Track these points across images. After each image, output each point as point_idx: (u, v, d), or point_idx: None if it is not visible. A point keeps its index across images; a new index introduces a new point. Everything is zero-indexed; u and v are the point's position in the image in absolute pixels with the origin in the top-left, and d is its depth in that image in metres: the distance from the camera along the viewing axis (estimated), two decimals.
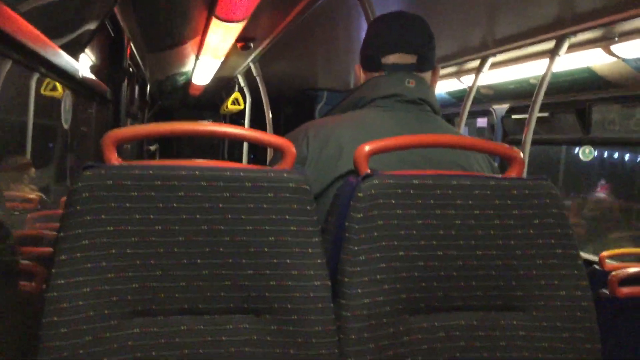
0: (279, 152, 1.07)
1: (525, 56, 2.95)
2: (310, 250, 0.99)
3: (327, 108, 5.51)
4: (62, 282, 0.90)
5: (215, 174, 0.97)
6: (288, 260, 0.98)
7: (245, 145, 5.16)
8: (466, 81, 3.71)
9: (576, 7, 2.10)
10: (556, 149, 3.96)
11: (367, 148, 1.08)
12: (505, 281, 1.07)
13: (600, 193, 3.79)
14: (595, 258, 2.28)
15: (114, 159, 0.98)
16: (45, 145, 1.60)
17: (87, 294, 0.91)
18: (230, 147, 8.70)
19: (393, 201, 1.03)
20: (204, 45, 3.26)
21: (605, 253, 2.20)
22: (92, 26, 1.77)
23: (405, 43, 1.38)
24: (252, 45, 3.38)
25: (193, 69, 4.49)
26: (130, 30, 2.68)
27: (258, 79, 4.19)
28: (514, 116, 3.87)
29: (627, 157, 3.65)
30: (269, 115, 4.44)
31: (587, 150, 3.59)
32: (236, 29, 2.69)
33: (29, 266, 1.44)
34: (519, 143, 3.05)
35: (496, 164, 1.42)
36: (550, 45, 2.51)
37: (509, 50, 2.78)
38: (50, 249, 1.48)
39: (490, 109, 4.09)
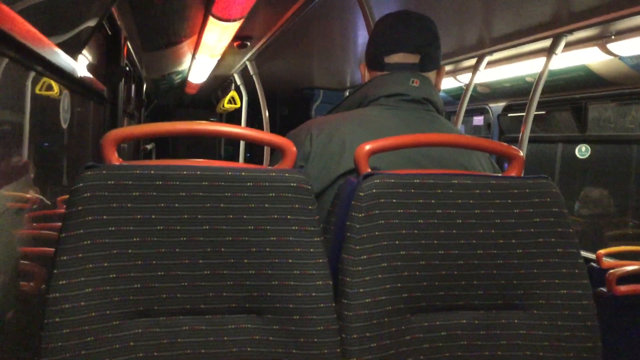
0: (279, 152, 1.06)
1: (521, 54, 2.95)
2: (312, 249, 0.99)
3: (323, 107, 5.52)
4: (64, 282, 0.90)
5: (217, 173, 0.97)
6: (290, 260, 0.98)
7: (242, 144, 5.15)
8: (463, 79, 3.72)
9: (573, 6, 2.11)
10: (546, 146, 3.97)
11: (367, 147, 1.08)
12: (506, 280, 1.07)
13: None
14: (592, 256, 2.29)
15: (115, 158, 0.98)
16: (43, 145, 1.59)
17: (89, 294, 0.91)
18: (226, 146, 8.69)
19: (394, 200, 1.03)
20: (200, 44, 3.26)
21: (602, 251, 2.21)
22: (90, 25, 1.76)
23: (408, 42, 1.38)
24: (248, 43, 3.37)
25: (189, 68, 4.48)
26: (127, 29, 2.67)
27: (254, 77, 4.19)
28: (510, 114, 3.88)
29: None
30: (266, 113, 4.44)
31: (583, 148, 3.60)
32: (233, 27, 2.69)
33: (28, 266, 1.43)
34: (515, 141, 3.05)
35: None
36: (546, 43, 2.52)
37: (505, 48, 2.79)
38: (49, 249, 1.48)
39: (487, 107, 4.10)
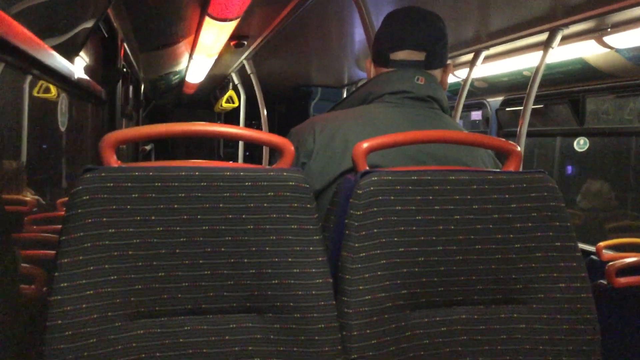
0: (278, 151, 1.07)
1: (518, 49, 2.95)
2: (311, 248, 0.99)
3: (321, 104, 5.52)
4: (65, 285, 0.90)
5: (215, 174, 0.97)
6: (289, 259, 0.98)
7: (241, 143, 5.16)
8: (460, 74, 3.72)
9: None
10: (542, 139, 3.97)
11: (364, 145, 1.09)
12: (504, 274, 1.07)
13: None
14: (592, 248, 2.30)
15: (113, 161, 0.99)
16: (42, 148, 1.59)
17: (91, 296, 0.91)
18: (225, 145, 8.69)
19: (392, 197, 1.03)
20: (197, 44, 3.26)
21: (602, 243, 2.21)
22: (86, 27, 1.76)
23: (414, 39, 1.37)
24: (245, 43, 3.37)
25: (187, 68, 4.48)
26: (123, 30, 2.67)
27: (252, 76, 4.18)
28: (508, 108, 3.88)
29: None
30: (264, 112, 4.44)
31: (581, 141, 3.60)
32: (229, 27, 2.69)
33: (28, 269, 1.44)
34: (513, 135, 3.06)
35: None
36: (543, 37, 2.52)
37: (502, 43, 2.79)
38: (49, 252, 1.48)
39: (485, 101, 4.10)
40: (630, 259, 2.00)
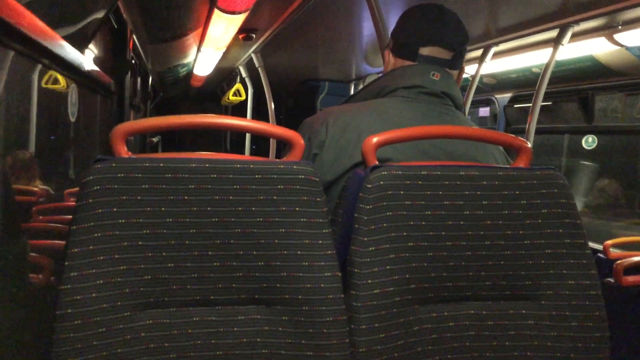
0: (288, 144, 1.07)
1: (528, 45, 2.94)
2: (320, 241, 0.99)
3: (328, 98, 5.51)
4: (75, 274, 0.91)
5: (226, 166, 0.98)
6: (298, 252, 0.99)
7: (248, 136, 5.16)
8: (469, 70, 3.70)
9: None
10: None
11: (374, 140, 1.09)
12: (514, 271, 1.07)
13: None
14: (599, 246, 2.29)
15: (124, 151, 0.99)
16: (52, 138, 1.60)
17: (100, 285, 0.92)
18: (232, 137, 8.70)
19: (402, 192, 1.03)
20: (205, 37, 3.25)
21: (609, 242, 2.21)
22: (97, 18, 1.76)
23: (444, 38, 1.38)
24: (254, 36, 3.37)
25: (194, 60, 4.48)
26: (133, 21, 2.67)
27: (260, 70, 4.18)
28: (516, 105, 3.87)
29: None
30: (272, 106, 4.43)
31: (590, 139, 3.59)
32: (238, 20, 2.68)
33: (36, 258, 1.44)
34: (522, 132, 3.05)
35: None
36: (553, 34, 2.51)
37: (512, 39, 2.78)
38: (56, 242, 1.49)
39: (493, 98, 4.09)
40: (639, 257, 1.99)
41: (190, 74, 5.42)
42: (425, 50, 1.39)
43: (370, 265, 1.01)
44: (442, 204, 1.05)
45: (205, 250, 0.97)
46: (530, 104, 2.69)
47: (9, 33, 1.05)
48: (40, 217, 1.53)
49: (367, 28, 2.99)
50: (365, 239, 1.02)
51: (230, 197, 0.97)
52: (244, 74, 4.83)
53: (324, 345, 0.98)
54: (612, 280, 1.93)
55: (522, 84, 3.65)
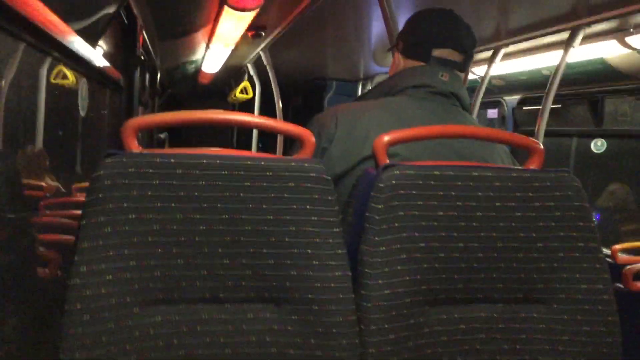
0: (298, 142, 1.06)
1: (538, 47, 2.93)
2: (331, 240, 0.99)
3: (336, 98, 5.50)
4: (85, 269, 0.90)
5: (237, 163, 0.97)
6: (309, 250, 0.98)
7: (255, 133, 5.15)
8: (478, 72, 3.69)
9: None
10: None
11: (385, 138, 1.08)
12: (526, 274, 1.06)
13: None
14: (607, 251, 2.27)
15: (135, 146, 0.99)
16: (62, 132, 1.60)
17: (110, 281, 0.91)
18: (238, 135, 8.70)
19: (414, 192, 1.02)
20: (215, 34, 3.25)
21: (617, 246, 2.19)
22: (109, 13, 1.76)
23: (457, 40, 1.42)
24: (263, 33, 3.36)
25: (203, 57, 4.47)
26: (143, 17, 2.67)
27: (268, 67, 4.17)
28: (525, 107, 3.85)
29: None
30: (279, 104, 4.43)
31: (599, 143, 3.57)
32: (248, 17, 2.68)
33: (43, 252, 1.44)
34: (531, 134, 3.02)
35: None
36: (564, 36, 2.49)
37: (522, 40, 2.77)
38: (64, 236, 1.49)
39: (501, 100, 4.07)
40: None
41: (198, 71, 5.41)
42: (437, 52, 1.42)
43: (381, 265, 1.00)
44: (454, 204, 1.04)
45: (215, 247, 0.97)
46: (540, 107, 2.68)
47: (22, 25, 1.05)
48: (48, 211, 1.53)
49: (377, 27, 2.98)
50: (377, 238, 1.01)
51: (241, 194, 0.97)
52: (251, 72, 4.82)
53: (334, 345, 0.97)
54: (620, 285, 1.92)
55: (531, 86, 3.64)
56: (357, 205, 1.08)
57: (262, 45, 3.86)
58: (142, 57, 3.04)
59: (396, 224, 1.02)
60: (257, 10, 2.53)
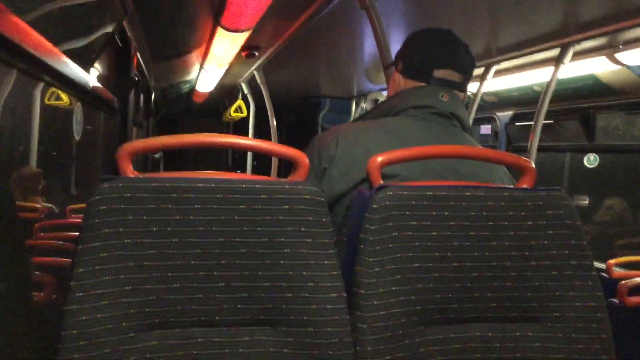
0: (293, 164, 1.07)
1: (529, 64, 2.95)
2: (325, 262, 0.99)
3: (330, 115, 5.52)
4: (81, 294, 0.90)
5: (231, 186, 0.98)
6: (304, 272, 0.98)
7: (249, 153, 5.16)
8: (470, 88, 3.71)
9: (581, 16, 2.11)
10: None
11: (379, 159, 1.09)
12: (520, 292, 1.07)
13: None
14: (602, 266, 2.28)
15: (130, 171, 0.99)
16: (58, 155, 1.60)
17: (106, 306, 0.92)
18: (233, 153, 8.71)
19: (407, 212, 1.03)
20: (208, 54, 3.27)
21: (612, 261, 2.20)
22: (103, 38, 1.78)
23: (457, 61, 1.42)
24: (256, 53, 3.38)
25: (197, 77, 4.50)
26: (137, 40, 2.69)
27: (262, 86, 4.20)
28: (518, 123, 3.87)
29: None
30: (274, 123, 4.44)
31: (591, 158, 3.59)
32: (241, 38, 2.70)
33: (38, 276, 1.44)
34: (523, 150, 3.05)
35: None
36: (554, 52, 2.52)
37: (513, 57, 2.79)
38: (59, 259, 1.49)
39: (494, 116, 4.10)
40: None
41: (192, 90, 5.44)
42: (439, 73, 1.42)
43: (376, 286, 1.01)
44: (448, 224, 1.04)
45: (210, 270, 0.97)
46: (532, 122, 2.70)
47: (12, 51, 1.06)
48: (42, 233, 1.53)
49: (369, 45, 3.00)
50: (371, 259, 1.01)
51: (236, 217, 0.97)
52: (245, 91, 4.85)
53: None
54: (615, 300, 1.92)
55: (523, 102, 3.66)
56: (351, 226, 1.08)
57: (256, 65, 3.89)
58: (137, 79, 3.06)
59: (390, 245, 1.02)
60: (251, 31, 2.55)
